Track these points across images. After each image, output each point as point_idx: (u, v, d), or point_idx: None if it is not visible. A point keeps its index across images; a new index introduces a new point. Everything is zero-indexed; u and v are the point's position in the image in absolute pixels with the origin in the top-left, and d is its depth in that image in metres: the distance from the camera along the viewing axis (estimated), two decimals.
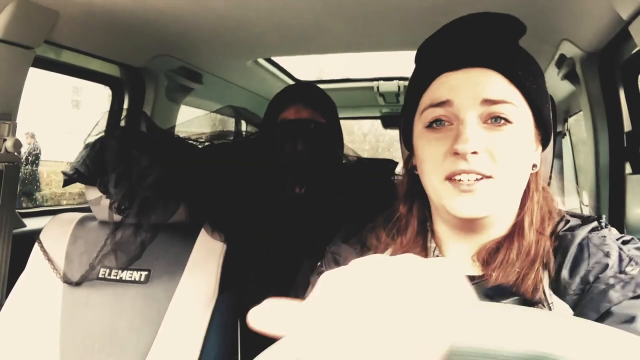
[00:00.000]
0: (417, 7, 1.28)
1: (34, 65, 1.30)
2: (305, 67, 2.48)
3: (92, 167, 1.28)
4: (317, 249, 1.27)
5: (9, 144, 1.26)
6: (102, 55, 1.59)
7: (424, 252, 0.75)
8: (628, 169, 1.35)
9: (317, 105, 1.44)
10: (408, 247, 0.75)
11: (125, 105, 1.84)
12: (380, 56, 2.40)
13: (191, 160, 1.34)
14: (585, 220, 0.73)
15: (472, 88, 0.66)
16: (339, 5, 1.28)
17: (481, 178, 0.64)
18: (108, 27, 1.40)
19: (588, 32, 1.26)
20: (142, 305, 1.24)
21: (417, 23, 1.42)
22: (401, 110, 0.80)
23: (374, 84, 2.46)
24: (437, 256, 0.74)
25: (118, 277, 1.28)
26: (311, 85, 1.54)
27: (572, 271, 0.67)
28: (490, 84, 0.66)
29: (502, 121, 0.66)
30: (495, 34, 0.72)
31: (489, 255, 0.70)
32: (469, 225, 0.71)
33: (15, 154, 1.30)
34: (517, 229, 0.71)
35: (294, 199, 1.43)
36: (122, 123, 1.75)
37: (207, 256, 1.28)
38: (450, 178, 0.66)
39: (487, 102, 0.65)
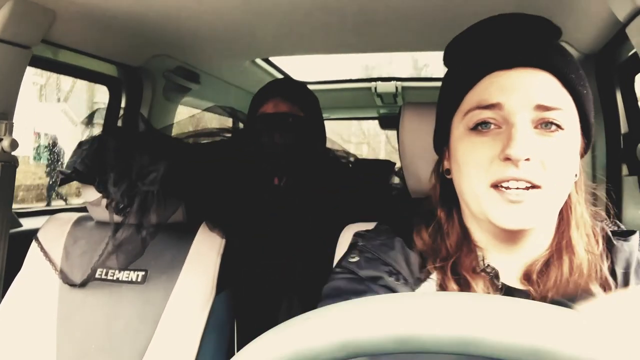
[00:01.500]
0: (415, 8, 1.28)
1: (31, 65, 1.30)
2: (303, 67, 2.48)
3: (91, 165, 1.27)
4: (310, 247, 1.28)
5: (5, 143, 1.26)
6: (100, 55, 1.59)
7: (474, 259, 0.69)
8: (625, 170, 1.35)
9: (296, 100, 1.48)
10: (455, 252, 0.70)
11: (123, 105, 1.84)
12: (378, 57, 2.41)
13: (185, 159, 1.34)
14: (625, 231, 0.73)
15: (526, 91, 0.62)
16: (337, 6, 1.28)
17: (530, 187, 0.60)
18: (106, 27, 1.39)
19: (585, 34, 1.26)
20: (139, 305, 1.23)
21: (414, 25, 1.42)
22: (438, 111, 0.75)
23: (372, 84, 2.46)
24: (487, 266, 0.68)
25: (115, 278, 1.28)
26: (291, 80, 1.58)
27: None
28: (544, 87, 0.62)
29: (554, 127, 0.62)
30: (541, 35, 0.68)
31: (540, 275, 0.67)
32: (510, 236, 0.67)
33: (12, 153, 1.29)
34: (565, 246, 0.67)
35: (274, 191, 1.46)
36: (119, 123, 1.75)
37: (204, 256, 1.28)
38: (496, 185, 0.62)
39: (541, 107, 0.61)
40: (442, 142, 0.74)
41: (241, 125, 1.72)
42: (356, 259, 0.73)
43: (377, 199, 1.39)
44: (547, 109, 0.61)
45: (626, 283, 0.67)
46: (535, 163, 0.60)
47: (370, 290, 0.68)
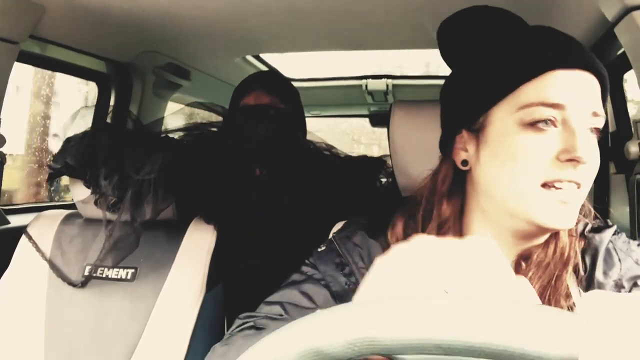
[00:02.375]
0: (407, 5, 1.29)
1: (18, 60, 1.28)
2: (294, 64, 2.48)
3: (82, 160, 1.26)
4: (300, 244, 1.28)
5: None
6: (89, 51, 1.58)
7: None
8: (612, 168, 1.37)
9: (277, 92, 1.49)
10: None
11: (112, 102, 1.83)
12: (369, 54, 2.40)
13: (174, 154, 1.34)
14: (601, 224, 0.74)
15: (586, 96, 0.62)
16: (329, 3, 1.28)
17: (577, 188, 0.62)
18: (95, 22, 1.38)
19: (574, 33, 1.26)
20: (129, 303, 1.23)
21: (406, 22, 1.42)
22: (457, 97, 0.72)
23: (363, 82, 2.46)
24: None
25: (104, 275, 1.27)
26: (273, 73, 1.60)
27: (605, 274, 0.67)
28: (596, 94, 0.63)
29: (596, 133, 0.64)
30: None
31: (525, 259, 0.68)
32: (535, 234, 0.68)
33: (0, 150, 1.28)
34: (554, 233, 0.69)
35: (255, 182, 1.46)
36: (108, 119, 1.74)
37: (194, 253, 1.27)
38: (548, 185, 0.61)
39: (595, 114, 0.63)
40: (456, 131, 0.71)
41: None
42: (322, 248, 0.78)
43: (368, 197, 1.39)
44: (597, 115, 0.63)
45: (593, 269, 0.68)
46: (587, 166, 0.61)
47: (301, 284, 0.74)
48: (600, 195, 1.35)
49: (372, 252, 0.73)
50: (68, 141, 1.31)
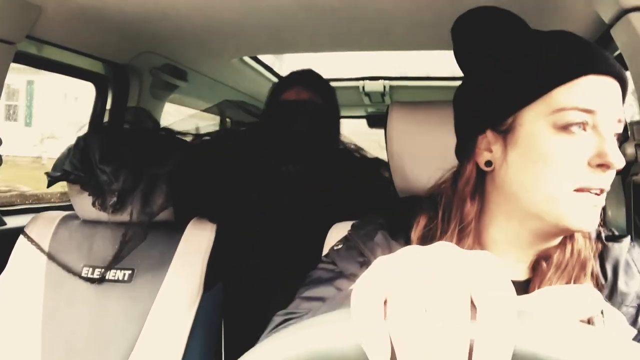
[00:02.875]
0: (404, 7, 1.29)
1: (15, 61, 1.28)
2: (292, 65, 2.48)
3: (79, 165, 1.27)
4: (300, 245, 1.28)
5: None
6: (86, 52, 1.57)
7: None
8: None
9: (316, 88, 1.56)
10: None
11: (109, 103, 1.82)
12: (366, 56, 2.40)
13: (185, 154, 1.36)
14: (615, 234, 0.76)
15: (614, 103, 0.63)
16: (326, 4, 1.28)
17: (601, 192, 0.63)
18: (92, 23, 1.38)
19: None
20: (126, 304, 1.23)
21: (400, 24, 1.42)
22: (483, 96, 0.71)
23: (360, 83, 2.46)
24: None
25: (101, 276, 1.27)
26: (311, 70, 1.62)
27: (627, 284, 0.68)
28: (620, 101, 0.65)
29: (616, 136, 0.65)
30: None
31: (544, 260, 0.69)
32: (557, 235, 0.68)
33: None
34: (568, 235, 0.70)
35: (290, 175, 1.51)
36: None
37: (191, 254, 1.27)
38: (582, 190, 0.62)
39: (619, 121, 0.64)
40: (479, 131, 0.71)
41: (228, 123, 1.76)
42: (340, 247, 0.76)
43: (369, 197, 1.39)
44: (620, 122, 0.64)
45: (615, 278, 0.70)
46: (613, 170, 0.63)
47: (334, 281, 0.70)
48: None
49: (393, 251, 0.73)
50: (68, 150, 1.32)
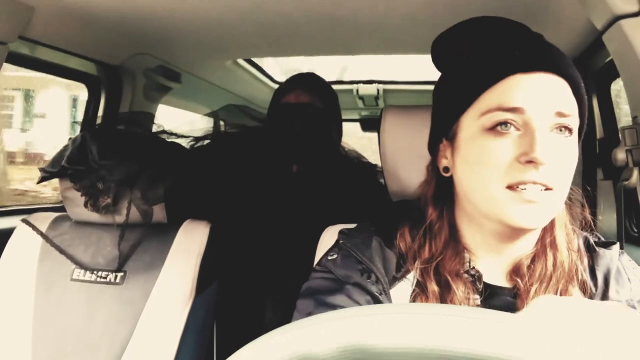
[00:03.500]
0: (396, 11, 1.29)
1: (7, 62, 1.27)
2: (285, 68, 2.48)
3: (77, 160, 1.26)
4: (294, 248, 1.28)
5: None
6: (79, 53, 1.57)
7: (459, 262, 0.70)
8: (600, 174, 1.38)
9: (316, 91, 1.57)
10: (440, 254, 0.71)
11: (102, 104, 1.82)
12: (360, 59, 2.41)
13: (174, 157, 1.37)
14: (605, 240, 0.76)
15: (547, 97, 0.63)
16: (320, 8, 1.29)
17: (545, 189, 0.62)
18: (85, 24, 1.37)
19: (563, 40, 1.28)
20: (117, 306, 1.22)
21: (395, 28, 1.43)
22: (437, 108, 0.74)
23: (354, 86, 2.47)
24: (472, 268, 0.70)
25: (93, 279, 1.26)
26: (313, 74, 1.63)
27: (618, 292, 0.69)
28: (562, 94, 0.64)
29: (567, 132, 0.64)
30: (544, 40, 0.69)
31: (527, 270, 0.69)
32: (513, 236, 0.68)
33: None
34: (550, 243, 0.70)
35: (290, 177, 1.54)
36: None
37: (184, 257, 1.27)
38: (512, 186, 0.62)
39: (559, 114, 0.63)
40: (439, 139, 0.73)
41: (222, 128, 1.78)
42: (334, 256, 0.75)
43: (362, 201, 1.40)
44: (564, 115, 0.63)
45: (606, 286, 0.70)
46: (551, 167, 0.62)
47: (342, 289, 0.68)
48: (587, 202, 1.37)
49: (389, 260, 0.73)
50: (65, 148, 1.31)
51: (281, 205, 1.47)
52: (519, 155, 0.62)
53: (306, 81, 1.62)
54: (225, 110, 1.86)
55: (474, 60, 0.69)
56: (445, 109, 0.71)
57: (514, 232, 0.67)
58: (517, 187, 0.62)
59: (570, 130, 0.64)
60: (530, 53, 0.65)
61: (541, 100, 0.63)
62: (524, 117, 0.62)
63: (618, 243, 0.76)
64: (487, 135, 0.64)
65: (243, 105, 1.78)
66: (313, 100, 1.54)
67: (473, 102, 0.66)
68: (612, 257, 0.73)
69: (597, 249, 0.73)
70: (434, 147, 0.76)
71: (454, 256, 0.71)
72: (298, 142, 1.49)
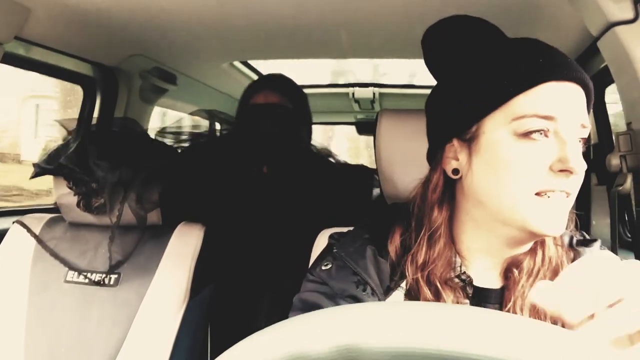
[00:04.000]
0: (393, 16, 1.30)
1: (2, 62, 1.27)
2: (282, 71, 2.48)
3: (75, 160, 1.26)
4: (288, 250, 1.29)
5: None
6: (75, 54, 1.57)
7: (449, 266, 0.71)
8: (594, 179, 1.39)
9: (285, 92, 1.56)
10: (434, 261, 0.70)
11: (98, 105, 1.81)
12: (356, 63, 2.41)
13: (168, 160, 1.37)
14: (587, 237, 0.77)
15: (576, 108, 0.64)
16: (317, 12, 1.29)
17: (566, 197, 0.64)
18: (82, 25, 1.37)
19: (558, 46, 1.29)
20: (112, 308, 1.21)
21: (393, 31, 1.43)
22: (450, 107, 0.72)
23: (350, 90, 2.47)
24: (463, 273, 0.70)
25: (87, 280, 1.25)
26: (281, 75, 1.63)
27: None
28: (584, 106, 0.65)
29: (582, 142, 0.66)
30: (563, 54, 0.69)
31: (515, 266, 0.70)
32: (524, 242, 0.69)
33: None
34: (540, 240, 0.71)
35: (261, 178, 1.53)
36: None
37: (179, 259, 1.27)
38: (540, 193, 0.63)
39: (583, 126, 0.65)
40: (446, 140, 0.72)
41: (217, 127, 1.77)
42: (328, 266, 0.74)
43: (357, 205, 1.41)
44: (584, 127, 0.65)
45: None
46: (578, 176, 0.63)
47: (337, 303, 0.68)
48: (582, 206, 1.37)
49: (382, 270, 0.72)
50: (64, 145, 1.31)
51: (255, 206, 1.48)
52: (553, 164, 0.62)
53: (275, 82, 1.61)
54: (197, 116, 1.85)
55: (501, 62, 0.68)
56: (463, 109, 0.69)
57: (531, 238, 0.67)
58: (544, 194, 0.63)
59: (585, 142, 0.66)
60: (560, 61, 0.65)
61: (571, 110, 0.63)
62: (556, 125, 0.63)
63: (599, 240, 0.76)
64: (518, 141, 0.64)
65: (212, 109, 1.77)
66: (282, 101, 1.53)
67: (502, 105, 0.65)
68: (592, 255, 0.73)
69: (577, 247, 0.74)
70: (437, 148, 0.74)
71: (446, 263, 0.70)
72: (268, 142, 1.49)
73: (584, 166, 0.63)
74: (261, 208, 1.47)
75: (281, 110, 1.51)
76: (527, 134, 0.63)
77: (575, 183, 0.63)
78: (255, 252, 1.45)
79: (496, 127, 0.66)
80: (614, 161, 0.98)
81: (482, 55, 0.71)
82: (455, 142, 0.71)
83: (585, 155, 1.41)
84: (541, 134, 0.63)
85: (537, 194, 0.63)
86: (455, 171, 0.71)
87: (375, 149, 0.96)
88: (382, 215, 0.82)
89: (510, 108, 0.64)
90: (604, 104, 1.41)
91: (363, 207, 1.43)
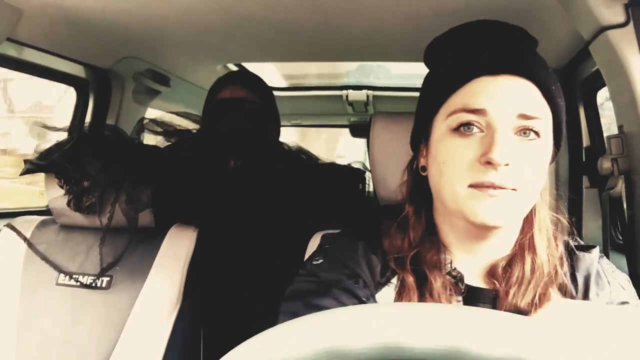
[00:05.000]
0: (387, 18, 1.30)
1: None
2: (275, 73, 2.48)
3: (69, 158, 1.25)
4: (279, 253, 1.29)
5: None
6: (68, 55, 1.56)
7: (437, 255, 0.71)
8: (586, 182, 1.39)
9: (252, 87, 1.56)
10: (416, 246, 0.72)
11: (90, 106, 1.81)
12: (349, 65, 2.41)
13: (155, 161, 1.36)
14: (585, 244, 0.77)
15: (511, 99, 0.64)
16: (311, 15, 1.29)
17: (507, 189, 0.63)
18: (74, 27, 1.37)
19: (551, 49, 1.30)
20: (103, 311, 1.21)
21: (384, 35, 1.44)
22: (417, 110, 0.76)
23: (343, 92, 2.47)
24: (454, 269, 0.71)
25: (79, 283, 1.25)
26: (248, 71, 1.65)
27: (598, 295, 0.70)
28: (528, 97, 0.65)
29: (532, 134, 0.65)
30: (522, 44, 0.71)
31: (504, 273, 0.70)
32: (480, 234, 0.69)
33: None
34: (527, 246, 0.71)
35: (230, 173, 1.53)
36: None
37: (171, 262, 1.26)
38: (474, 186, 0.64)
39: (523, 116, 0.64)
40: (419, 140, 0.76)
41: None
42: (320, 261, 0.75)
43: (348, 206, 1.40)
44: (528, 117, 0.64)
45: (586, 289, 0.71)
46: (512, 168, 0.63)
47: (329, 292, 0.68)
48: (573, 208, 1.38)
49: (373, 266, 0.73)
50: (58, 144, 1.30)
51: (225, 201, 1.47)
52: (479, 156, 0.63)
53: (242, 77, 1.62)
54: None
55: (445, 64, 0.71)
56: (421, 111, 0.74)
57: (482, 231, 0.68)
58: (478, 187, 0.64)
59: (537, 133, 0.65)
60: (498, 56, 0.66)
61: (504, 102, 0.64)
62: (487, 118, 0.64)
63: (598, 247, 0.76)
64: (452, 136, 0.66)
65: (186, 109, 1.76)
66: (249, 96, 1.53)
67: (442, 104, 0.69)
68: (592, 261, 0.73)
69: (577, 252, 0.74)
70: (415, 148, 0.79)
71: (431, 249, 0.72)
72: (235, 136, 1.49)
73: (519, 158, 0.63)
74: (232, 203, 1.47)
75: (248, 104, 1.52)
76: (457, 129, 0.66)
77: (512, 176, 0.63)
78: (247, 254, 1.44)
79: (439, 125, 0.69)
80: (605, 164, 0.99)
81: (441, 59, 0.74)
82: (423, 142, 0.75)
83: (577, 157, 1.42)
84: (471, 127, 0.65)
85: (470, 185, 0.64)
86: (423, 168, 0.75)
87: (369, 152, 0.97)
88: (373, 215, 0.82)
89: (447, 106, 0.68)
90: (596, 107, 1.42)
91: (355, 208, 1.42)
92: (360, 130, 2.86)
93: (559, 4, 1.03)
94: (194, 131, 1.60)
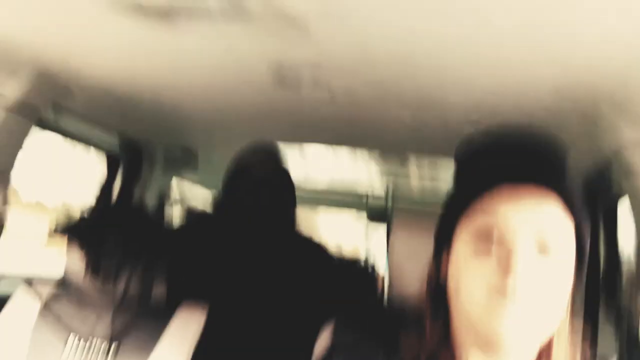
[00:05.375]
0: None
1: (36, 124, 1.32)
2: (307, 158, 2.47)
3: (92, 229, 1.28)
4: (289, 341, 1.26)
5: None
6: (102, 125, 1.62)
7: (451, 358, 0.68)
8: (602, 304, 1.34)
9: (277, 167, 1.51)
10: (435, 352, 0.68)
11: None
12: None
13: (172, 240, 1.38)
14: None
15: (531, 216, 0.61)
16: (351, 101, 1.33)
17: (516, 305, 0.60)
18: (113, 102, 1.43)
19: (572, 159, 1.31)
20: None
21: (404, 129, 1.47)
22: (443, 215, 0.72)
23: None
24: None
25: (87, 347, 1.23)
26: (272, 147, 1.61)
27: None
28: (549, 213, 0.62)
29: (551, 253, 0.61)
30: (550, 154, 0.68)
31: None
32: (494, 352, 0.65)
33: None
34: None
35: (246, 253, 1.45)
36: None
37: (179, 338, 1.24)
38: (491, 300, 0.61)
39: (542, 232, 0.61)
40: (441, 247, 0.72)
41: None
42: None
43: (360, 310, 1.37)
44: (548, 235, 0.61)
45: None
46: (530, 290, 0.60)
47: None
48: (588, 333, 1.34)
49: None
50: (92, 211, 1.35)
51: (236, 279, 1.45)
52: (498, 285, 0.60)
53: (267, 154, 1.57)
54: None
55: (466, 173, 0.70)
56: (444, 216, 0.71)
57: (490, 347, 0.65)
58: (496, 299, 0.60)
59: (554, 252, 0.62)
60: (521, 165, 0.64)
61: (525, 216, 0.61)
62: (502, 234, 0.61)
63: None
64: (471, 258, 0.64)
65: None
66: (275, 173, 1.51)
67: (464, 210, 0.66)
68: None
69: None
70: (438, 255, 0.74)
71: (446, 353, 0.68)
72: (257, 215, 1.45)
73: (524, 284, 0.59)
74: (244, 283, 1.44)
75: (274, 182, 1.49)
76: (476, 246, 0.63)
77: (525, 298, 0.60)
78: (254, 340, 1.42)
79: (460, 236, 0.66)
80: None
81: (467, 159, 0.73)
82: (445, 250, 0.71)
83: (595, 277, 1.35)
84: (489, 243, 0.62)
85: (488, 300, 0.61)
86: (444, 279, 0.71)
87: (388, 251, 0.96)
88: (389, 320, 0.81)
89: (468, 215, 0.65)
90: (616, 225, 1.39)
91: (368, 310, 1.39)
92: (378, 215, 2.82)
93: (582, 118, 1.04)
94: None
